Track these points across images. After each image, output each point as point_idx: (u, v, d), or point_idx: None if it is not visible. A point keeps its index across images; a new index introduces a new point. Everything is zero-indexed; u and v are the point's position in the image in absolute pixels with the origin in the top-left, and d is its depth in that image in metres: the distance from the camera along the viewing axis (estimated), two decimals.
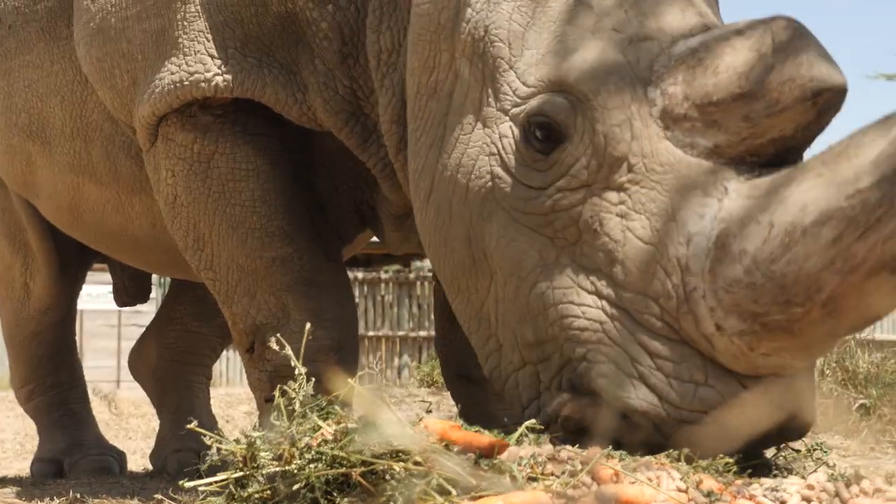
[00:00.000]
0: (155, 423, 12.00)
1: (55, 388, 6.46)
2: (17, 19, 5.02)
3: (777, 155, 3.18)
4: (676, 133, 3.16)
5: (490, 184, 3.38)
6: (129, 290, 6.49)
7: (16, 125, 5.20)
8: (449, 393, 4.99)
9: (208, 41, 4.13)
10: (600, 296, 3.19)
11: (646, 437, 3.08)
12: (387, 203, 4.35)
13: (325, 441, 2.81)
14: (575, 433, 3.17)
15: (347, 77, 4.02)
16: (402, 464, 2.67)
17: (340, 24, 3.97)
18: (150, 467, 6.78)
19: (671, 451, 3.01)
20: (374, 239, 4.94)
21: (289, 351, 3.22)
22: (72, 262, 6.16)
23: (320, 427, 2.84)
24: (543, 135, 3.28)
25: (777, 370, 3.08)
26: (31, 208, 5.79)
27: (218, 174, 4.21)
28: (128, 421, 12.61)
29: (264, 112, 4.21)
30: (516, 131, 3.35)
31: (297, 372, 3.08)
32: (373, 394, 2.93)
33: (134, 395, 16.54)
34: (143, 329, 6.94)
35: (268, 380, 4.22)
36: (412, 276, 19.76)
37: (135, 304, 6.62)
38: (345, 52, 4.00)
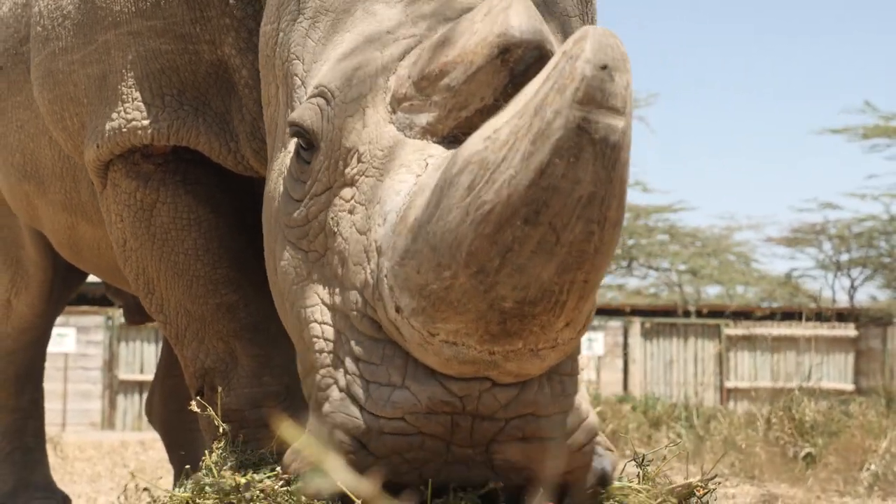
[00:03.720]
0: (100, 467, 11.93)
1: (14, 413, 6.31)
2: (8, 61, 5.01)
3: None
4: (399, 115, 2.97)
5: (276, 205, 3.25)
6: (140, 308, 6.40)
7: (12, 165, 5.19)
8: None
9: (146, 89, 4.12)
10: (333, 308, 2.96)
11: (352, 460, 2.77)
12: None
13: (270, 493, 2.82)
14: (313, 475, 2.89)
15: None
16: None
17: (258, 71, 3.97)
18: None
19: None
20: None
21: (211, 412, 3.23)
22: (57, 285, 6.08)
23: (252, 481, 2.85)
24: (305, 143, 3.11)
25: (480, 369, 2.73)
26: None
27: (160, 223, 4.20)
28: (73, 465, 12.46)
29: (205, 160, 4.21)
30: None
31: (220, 431, 3.09)
32: (320, 440, 2.92)
33: (79, 439, 16.39)
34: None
35: (215, 424, 4.20)
36: None
37: (144, 322, 6.52)
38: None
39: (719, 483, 3.20)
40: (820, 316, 23.60)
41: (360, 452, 2.76)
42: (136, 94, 4.12)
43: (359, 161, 2.96)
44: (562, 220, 2.53)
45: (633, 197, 31.88)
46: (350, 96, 3.02)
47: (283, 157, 3.30)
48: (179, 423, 6.43)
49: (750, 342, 22.35)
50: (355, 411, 2.78)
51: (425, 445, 2.75)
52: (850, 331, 22.53)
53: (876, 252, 30.31)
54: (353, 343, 2.86)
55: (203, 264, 4.18)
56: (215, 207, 4.23)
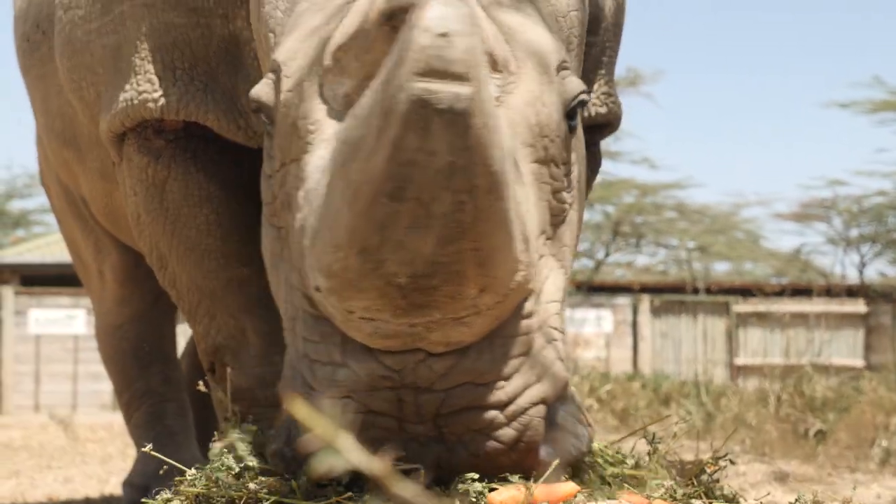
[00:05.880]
0: (111, 448, 11.95)
1: (148, 398, 6.12)
2: (50, 25, 5.02)
3: None
4: (325, 87, 2.92)
5: (260, 182, 3.24)
6: None
7: (53, 130, 5.20)
8: None
9: (157, 61, 4.12)
10: (291, 285, 2.95)
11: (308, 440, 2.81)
12: None
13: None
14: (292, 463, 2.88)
15: None
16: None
17: None
18: (107, 493, 6.71)
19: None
20: None
21: (220, 393, 3.22)
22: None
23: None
24: (267, 119, 3.09)
25: (407, 342, 2.70)
26: None
27: (172, 199, 4.21)
28: (84, 446, 12.48)
29: (217, 136, 4.20)
30: None
31: (230, 413, 3.09)
32: (331, 419, 2.92)
33: (90, 420, 16.43)
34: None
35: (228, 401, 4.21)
36: None
37: None
38: None
39: (730, 461, 3.18)
40: (830, 292, 23.56)
41: None
42: (149, 67, 4.13)
43: (298, 137, 2.93)
44: (428, 194, 2.47)
45: (641, 174, 31.81)
46: (293, 70, 2.97)
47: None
48: (204, 397, 6.38)
49: (759, 319, 22.32)
50: (305, 390, 2.78)
51: (377, 423, 2.73)
52: (859, 307, 22.48)
53: (885, 227, 30.21)
54: (301, 321, 2.85)
55: (214, 239, 4.18)
56: (226, 183, 4.23)
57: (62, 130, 5.09)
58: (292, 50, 3.01)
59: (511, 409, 2.78)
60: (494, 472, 2.78)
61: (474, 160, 2.47)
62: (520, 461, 2.80)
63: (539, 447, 2.82)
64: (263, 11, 3.36)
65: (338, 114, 2.88)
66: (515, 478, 2.74)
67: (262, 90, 3.07)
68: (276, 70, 3.04)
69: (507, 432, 2.77)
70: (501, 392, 2.77)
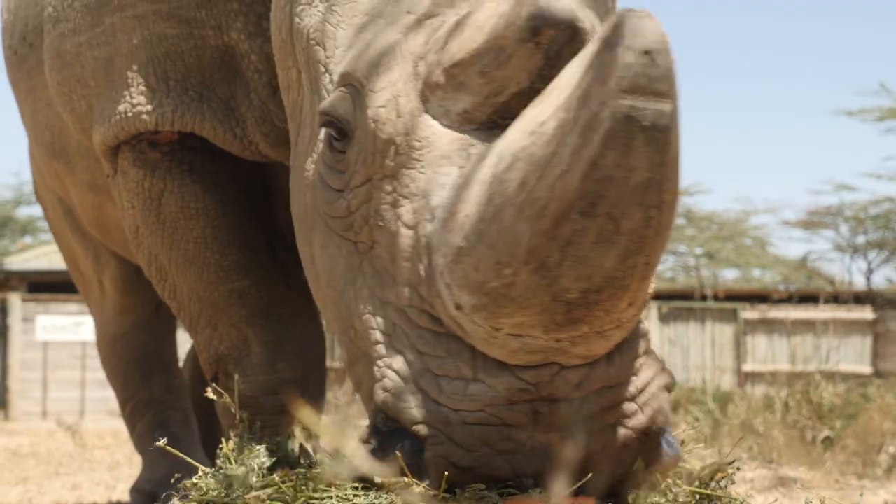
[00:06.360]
0: (119, 455, 11.96)
1: (153, 407, 6.11)
2: (36, 38, 5.01)
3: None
4: (433, 103, 2.91)
5: (312, 193, 3.20)
6: None
7: (42, 143, 5.20)
8: None
9: (150, 73, 4.11)
10: (386, 301, 2.90)
11: (444, 452, 2.75)
12: None
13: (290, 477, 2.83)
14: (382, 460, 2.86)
15: (280, 109, 3.96)
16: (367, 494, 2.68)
17: (269, 56, 3.91)
18: (114, 499, 6.71)
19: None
20: None
21: (227, 398, 3.23)
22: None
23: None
24: (338, 133, 3.05)
25: (548, 356, 2.73)
26: None
27: (169, 212, 4.20)
28: (92, 453, 12.49)
29: (213, 148, 4.20)
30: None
31: (237, 418, 3.10)
32: (338, 425, 2.92)
33: (98, 427, 16.44)
34: None
35: (232, 410, 4.21)
36: None
37: None
38: (274, 85, 3.93)
39: (738, 468, 3.19)
40: (837, 299, 23.52)
41: (447, 444, 2.74)
42: (141, 79, 4.12)
43: (396, 153, 2.91)
44: (619, 209, 2.51)
45: None
46: (379, 85, 2.96)
47: (314, 144, 3.24)
48: (208, 405, 6.38)
49: (767, 325, 22.28)
50: (430, 405, 2.77)
51: (512, 435, 2.75)
52: (867, 313, 22.42)
53: (893, 234, 30.15)
54: (413, 337, 2.83)
55: (213, 252, 4.18)
56: (223, 195, 4.23)
57: (51, 143, 5.08)
58: (373, 64, 3.00)
59: (642, 397, 2.85)
60: (623, 465, 2.83)
61: (668, 175, 2.54)
62: (648, 452, 2.86)
63: (663, 440, 2.90)
64: (301, 25, 3.32)
65: (451, 130, 2.88)
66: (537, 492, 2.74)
67: (338, 104, 3.04)
68: (353, 84, 3.02)
69: (640, 419, 2.84)
70: (632, 386, 2.85)
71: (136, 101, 4.12)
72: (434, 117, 2.90)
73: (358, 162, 2.99)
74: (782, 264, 33.34)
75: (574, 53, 2.75)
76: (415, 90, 2.93)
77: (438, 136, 2.87)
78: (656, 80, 2.46)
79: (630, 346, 2.87)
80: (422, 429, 2.76)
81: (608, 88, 2.45)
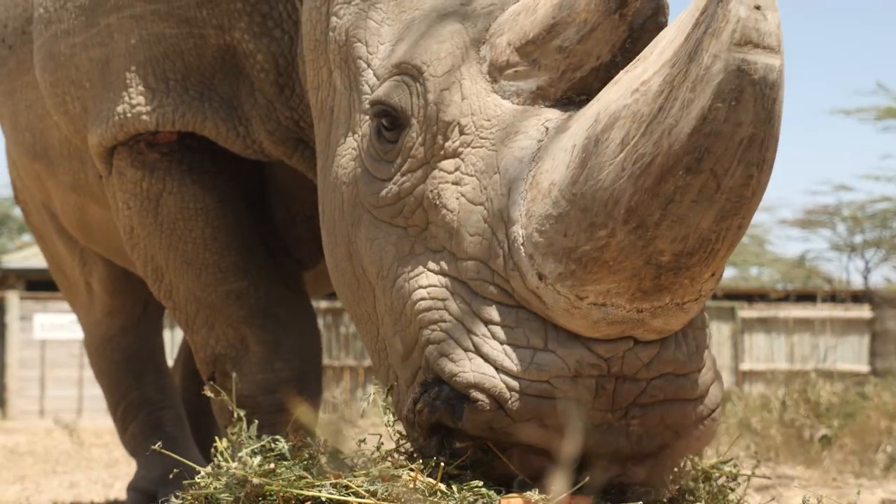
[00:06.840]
0: (117, 453, 11.96)
1: (145, 407, 6.10)
2: (16, 40, 4.99)
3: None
4: (502, 83, 2.96)
5: (355, 189, 3.21)
6: None
7: (22, 145, 5.17)
8: None
9: (149, 73, 4.09)
10: (443, 273, 2.92)
11: (489, 419, 2.76)
12: None
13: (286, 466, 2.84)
14: (429, 429, 2.91)
15: (287, 107, 3.98)
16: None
17: (276, 55, 3.93)
18: (112, 497, 6.71)
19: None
20: None
21: (225, 397, 3.24)
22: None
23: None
24: (389, 123, 3.08)
25: (626, 329, 2.75)
26: None
27: (167, 212, 4.20)
28: (89, 451, 12.49)
29: (212, 148, 4.19)
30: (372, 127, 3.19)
31: (235, 416, 3.11)
32: (334, 423, 2.93)
33: (95, 425, 16.44)
34: None
35: (229, 409, 4.21)
36: None
37: None
38: (281, 83, 3.96)
39: (736, 467, 3.21)
40: (835, 297, 23.53)
41: (498, 413, 2.75)
42: (140, 80, 4.10)
43: (461, 133, 2.95)
44: (723, 166, 2.54)
45: None
46: (441, 70, 3.00)
47: (352, 141, 3.26)
48: (200, 404, 6.38)
49: (765, 324, 22.29)
50: (491, 370, 2.77)
51: (567, 411, 2.74)
52: (864, 312, 22.43)
53: (890, 233, 30.18)
54: (478, 309, 2.83)
55: (211, 253, 4.18)
56: (222, 195, 4.22)
57: (32, 144, 5.05)
58: (431, 51, 3.04)
59: (701, 410, 2.87)
60: (668, 468, 2.88)
61: (771, 133, 2.56)
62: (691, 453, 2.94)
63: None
64: (339, 23, 3.36)
65: (528, 108, 2.92)
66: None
67: (393, 93, 3.08)
68: (410, 73, 3.06)
69: (695, 433, 2.87)
70: (696, 388, 2.86)
71: (136, 102, 4.10)
72: (504, 97, 2.95)
73: (413, 147, 3.02)
74: (780, 263, 33.38)
75: (658, 28, 2.84)
76: (480, 73, 2.98)
77: (510, 114, 2.91)
78: (767, 35, 2.50)
79: (698, 333, 2.90)
80: (474, 393, 2.76)
81: (720, 41, 2.48)
